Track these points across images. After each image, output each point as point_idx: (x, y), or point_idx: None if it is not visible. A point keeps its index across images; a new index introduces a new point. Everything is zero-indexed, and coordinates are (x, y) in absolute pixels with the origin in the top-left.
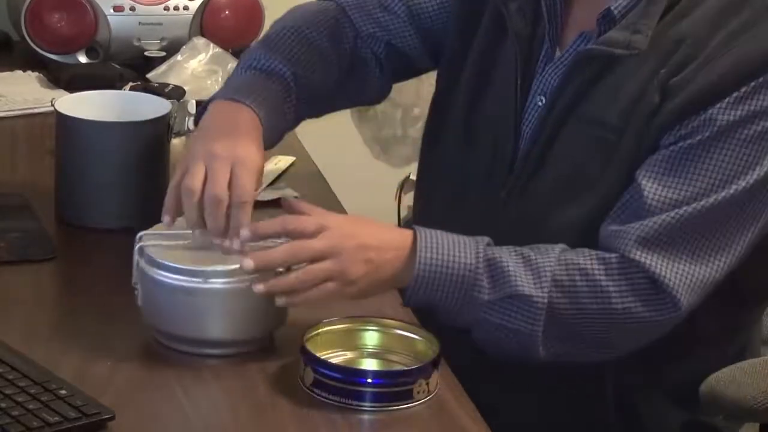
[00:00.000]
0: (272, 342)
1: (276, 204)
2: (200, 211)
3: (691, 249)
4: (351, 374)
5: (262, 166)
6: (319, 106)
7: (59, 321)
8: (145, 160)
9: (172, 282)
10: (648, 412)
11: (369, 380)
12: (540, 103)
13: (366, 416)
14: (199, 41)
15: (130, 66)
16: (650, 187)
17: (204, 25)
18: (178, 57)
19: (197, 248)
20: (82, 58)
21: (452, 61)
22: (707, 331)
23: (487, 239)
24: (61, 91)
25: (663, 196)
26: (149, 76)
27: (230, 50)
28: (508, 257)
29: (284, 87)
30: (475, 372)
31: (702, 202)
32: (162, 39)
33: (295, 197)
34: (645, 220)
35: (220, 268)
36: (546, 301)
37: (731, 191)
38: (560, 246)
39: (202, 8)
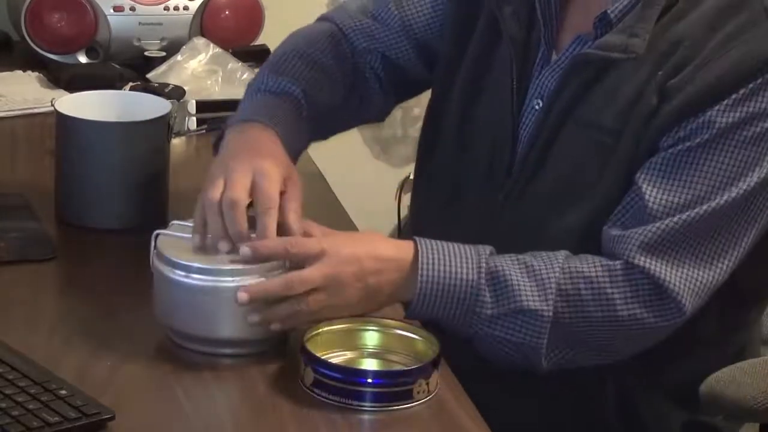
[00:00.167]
0: (286, 342)
1: None
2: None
3: (694, 253)
4: (351, 374)
5: (284, 175)
6: (327, 126)
7: (59, 321)
8: (145, 160)
9: (187, 281)
10: (648, 412)
11: (369, 380)
12: (537, 107)
13: (366, 416)
14: (199, 41)
15: (130, 66)
16: (651, 190)
17: (204, 25)
18: (178, 57)
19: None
20: (82, 58)
21: (447, 67)
22: (707, 331)
23: (489, 249)
24: (61, 91)
25: (664, 200)
26: (149, 76)
27: (230, 50)
28: (512, 268)
29: (296, 105)
30: (475, 372)
31: (704, 206)
32: (162, 39)
33: None
34: (648, 225)
35: (236, 267)
36: (551, 313)
37: (732, 194)
38: (563, 253)
39: (202, 8)
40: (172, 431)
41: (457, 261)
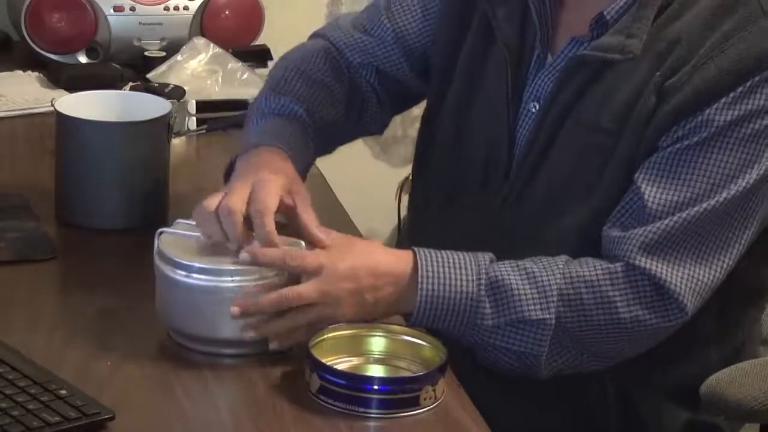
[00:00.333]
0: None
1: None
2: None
3: (695, 252)
4: (357, 380)
5: (287, 186)
6: (330, 141)
7: (59, 321)
8: (145, 160)
9: (188, 281)
10: (648, 412)
11: (375, 387)
12: (533, 110)
13: (372, 423)
14: (199, 41)
15: (130, 66)
16: (650, 190)
17: (204, 25)
18: (178, 57)
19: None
20: (82, 58)
21: (441, 73)
22: (705, 329)
23: (489, 256)
24: (61, 91)
25: (664, 199)
26: (149, 76)
27: (230, 50)
28: (512, 276)
29: (302, 125)
30: (474, 375)
31: (704, 205)
32: (162, 39)
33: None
34: (648, 226)
35: (237, 267)
36: (554, 321)
37: (732, 191)
38: (563, 257)
39: (202, 8)
40: (172, 431)
41: (456, 272)
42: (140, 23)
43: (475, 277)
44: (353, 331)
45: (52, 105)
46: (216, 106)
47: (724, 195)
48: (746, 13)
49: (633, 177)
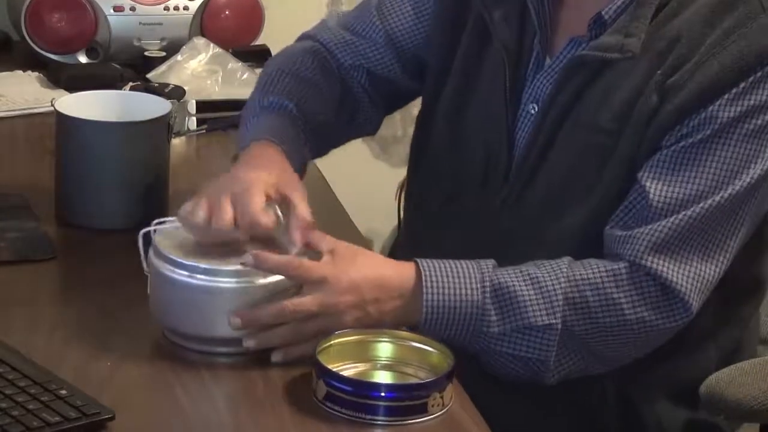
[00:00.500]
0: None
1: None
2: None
3: (700, 249)
4: (364, 387)
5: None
6: (324, 140)
7: (59, 321)
8: (145, 160)
9: (184, 279)
10: (648, 411)
11: (382, 393)
12: (532, 111)
13: (379, 430)
14: (199, 41)
15: (130, 66)
16: (655, 188)
17: (204, 25)
18: (178, 57)
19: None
20: (82, 58)
21: (435, 75)
22: (702, 326)
23: (492, 263)
24: (61, 91)
25: (669, 197)
26: (149, 76)
27: (230, 50)
28: (516, 282)
29: (292, 118)
30: (476, 376)
31: (709, 201)
32: (162, 39)
33: None
34: (653, 224)
35: (232, 267)
36: (560, 326)
37: (736, 187)
38: (566, 260)
39: (202, 8)
40: (171, 431)
41: (460, 281)
42: (140, 23)
43: (479, 285)
44: (360, 336)
45: (52, 105)
46: (216, 106)
47: (728, 191)
48: (746, 10)
49: (633, 176)
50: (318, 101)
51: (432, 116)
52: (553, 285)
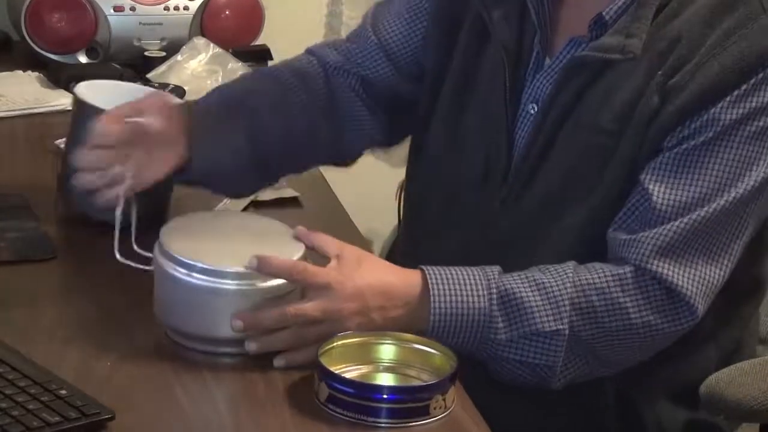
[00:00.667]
0: None
1: (276, 204)
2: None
3: (704, 253)
4: (366, 389)
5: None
6: (302, 155)
7: (59, 321)
8: None
9: (188, 279)
10: (647, 411)
11: (384, 395)
12: (532, 111)
13: None
14: (199, 41)
15: (130, 66)
16: (658, 191)
17: (204, 25)
18: (178, 57)
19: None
20: (82, 58)
21: (434, 75)
22: (704, 327)
23: (497, 269)
24: (61, 91)
25: (673, 200)
26: (149, 76)
27: (230, 50)
28: (523, 288)
29: (235, 109)
30: (475, 376)
31: (713, 205)
32: (162, 39)
33: (295, 197)
34: (658, 228)
35: (236, 269)
36: (567, 332)
37: (740, 190)
38: (571, 264)
39: (202, 8)
40: (172, 431)
41: (466, 289)
42: (140, 23)
43: (485, 292)
44: (363, 338)
45: (71, 90)
46: None
47: (732, 194)
48: (746, 11)
49: (634, 177)
50: (286, 104)
51: (430, 116)
52: (559, 290)
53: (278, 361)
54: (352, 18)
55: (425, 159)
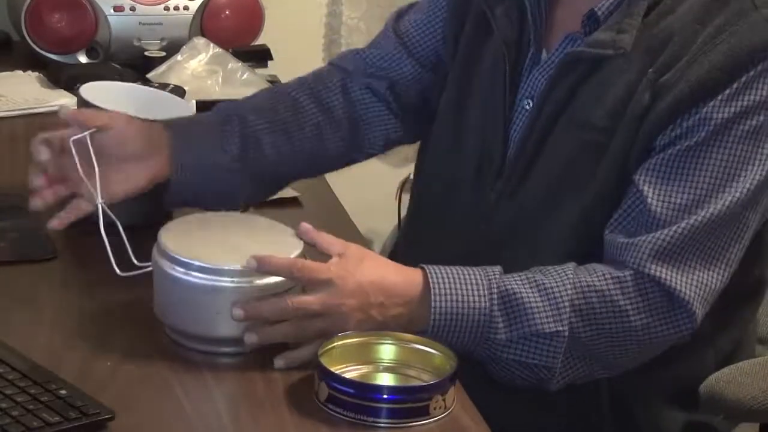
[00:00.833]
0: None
1: (276, 204)
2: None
3: (702, 258)
4: (366, 389)
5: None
6: (300, 141)
7: (59, 321)
8: None
9: (186, 278)
10: (643, 413)
11: (384, 395)
12: (527, 107)
13: None
14: (199, 41)
15: (130, 66)
16: (653, 193)
17: (204, 25)
18: (178, 57)
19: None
20: (82, 58)
21: (442, 69)
22: (702, 329)
23: (498, 269)
24: (61, 91)
25: (669, 203)
26: (149, 76)
27: (230, 50)
28: (523, 289)
29: (222, 117)
30: (474, 375)
31: (710, 208)
32: (162, 39)
33: (295, 197)
34: (656, 232)
35: (234, 267)
36: (567, 333)
37: (735, 193)
38: (571, 266)
39: (202, 8)
40: (172, 431)
41: (467, 289)
42: (140, 23)
43: (486, 292)
44: (363, 338)
45: (76, 92)
46: None
47: (729, 195)
48: (737, 7)
49: (627, 174)
50: (285, 121)
51: (437, 112)
52: (560, 292)
53: (278, 362)
54: (352, 18)
55: (429, 153)
